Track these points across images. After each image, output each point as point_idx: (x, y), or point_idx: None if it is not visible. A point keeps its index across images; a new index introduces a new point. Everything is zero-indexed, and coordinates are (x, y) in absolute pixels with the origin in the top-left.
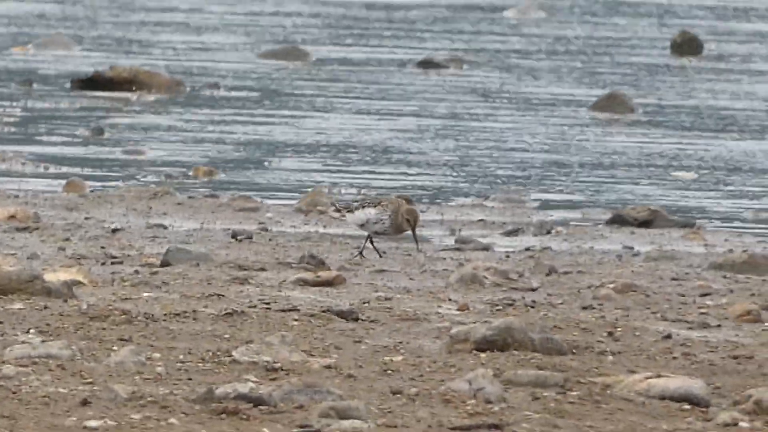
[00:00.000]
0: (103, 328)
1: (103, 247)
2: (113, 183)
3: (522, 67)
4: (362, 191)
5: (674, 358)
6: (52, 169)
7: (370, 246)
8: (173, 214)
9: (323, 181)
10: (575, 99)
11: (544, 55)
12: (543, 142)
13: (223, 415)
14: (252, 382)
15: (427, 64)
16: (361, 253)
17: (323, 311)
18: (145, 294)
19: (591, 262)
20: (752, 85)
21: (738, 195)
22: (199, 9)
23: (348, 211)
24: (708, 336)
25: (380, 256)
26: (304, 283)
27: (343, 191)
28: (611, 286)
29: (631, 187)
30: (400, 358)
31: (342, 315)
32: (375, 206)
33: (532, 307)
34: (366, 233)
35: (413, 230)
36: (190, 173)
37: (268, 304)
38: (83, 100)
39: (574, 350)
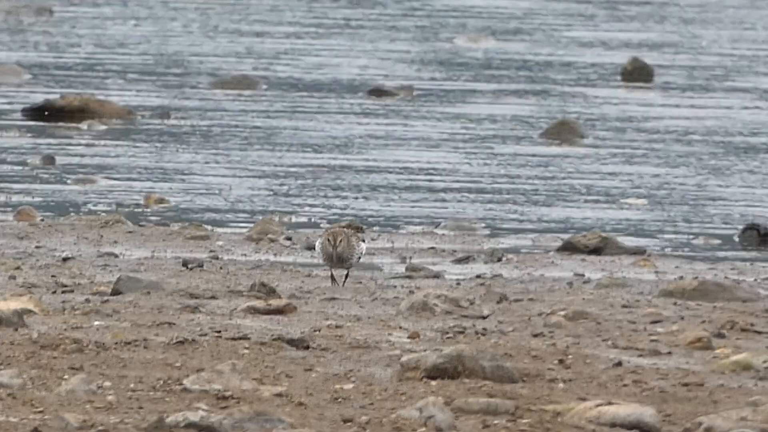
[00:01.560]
0: (54, 357)
1: (54, 276)
2: (64, 212)
3: (470, 94)
4: (312, 219)
5: (625, 385)
6: (2, 198)
7: (333, 276)
8: (124, 243)
9: (274, 210)
10: (526, 126)
11: (494, 82)
12: (493, 170)
13: None
14: (203, 410)
15: (377, 92)
16: (334, 281)
17: (274, 339)
18: (96, 322)
19: (542, 290)
20: (704, 111)
21: (689, 222)
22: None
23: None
24: (659, 363)
25: (333, 284)
26: (254, 311)
27: (294, 219)
28: (562, 313)
29: (582, 214)
30: (350, 386)
31: (293, 343)
32: (320, 237)
33: (483, 334)
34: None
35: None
36: (141, 202)
37: (218, 332)
38: (34, 129)
39: (524, 378)
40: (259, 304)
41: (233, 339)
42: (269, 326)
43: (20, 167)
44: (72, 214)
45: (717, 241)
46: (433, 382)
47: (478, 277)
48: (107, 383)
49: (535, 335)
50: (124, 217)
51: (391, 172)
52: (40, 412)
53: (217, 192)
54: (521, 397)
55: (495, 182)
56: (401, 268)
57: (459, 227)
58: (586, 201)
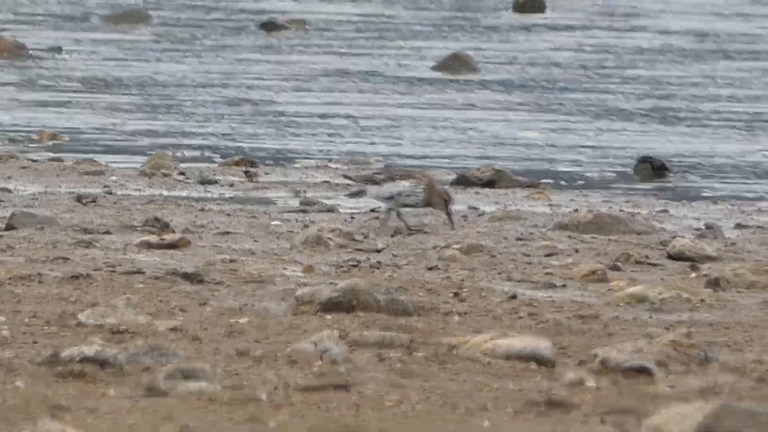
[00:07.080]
0: None
1: None
2: None
3: (363, 27)
4: (205, 154)
5: (520, 318)
6: None
7: (396, 218)
8: (18, 178)
9: (167, 144)
10: (420, 59)
11: (387, 15)
12: (387, 102)
13: (69, 378)
14: (97, 344)
15: (269, 26)
16: (384, 224)
17: (168, 274)
18: None
19: (436, 223)
20: (594, 45)
21: (584, 155)
22: None
23: (371, 183)
24: (553, 296)
25: (409, 230)
26: (148, 245)
27: (186, 154)
28: (457, 246)
29: (476, 147)
30: (245, 319)
31: (187, 277)
32: (407, 179)
33: (378, 268)
34: (387, 205)
35: (448, 211)
36: (35, 137)
37: (113, 267)
38: None
39: (419, 311)
40: (153, 238)
41: (128, 273)
42: (163, 261)
43: None
44: None
45: (611, 175)
46: (328, 316)
47: (372, 211)
48: (2, 318)
49: (430, 268)
50: (18, 152)
51: (285, 106)
52: None
53: (111, 127)
54: (416, 330)
55: (390, 115)
56: (295, 203)
57: (353, 161)
58: (481, 134)
